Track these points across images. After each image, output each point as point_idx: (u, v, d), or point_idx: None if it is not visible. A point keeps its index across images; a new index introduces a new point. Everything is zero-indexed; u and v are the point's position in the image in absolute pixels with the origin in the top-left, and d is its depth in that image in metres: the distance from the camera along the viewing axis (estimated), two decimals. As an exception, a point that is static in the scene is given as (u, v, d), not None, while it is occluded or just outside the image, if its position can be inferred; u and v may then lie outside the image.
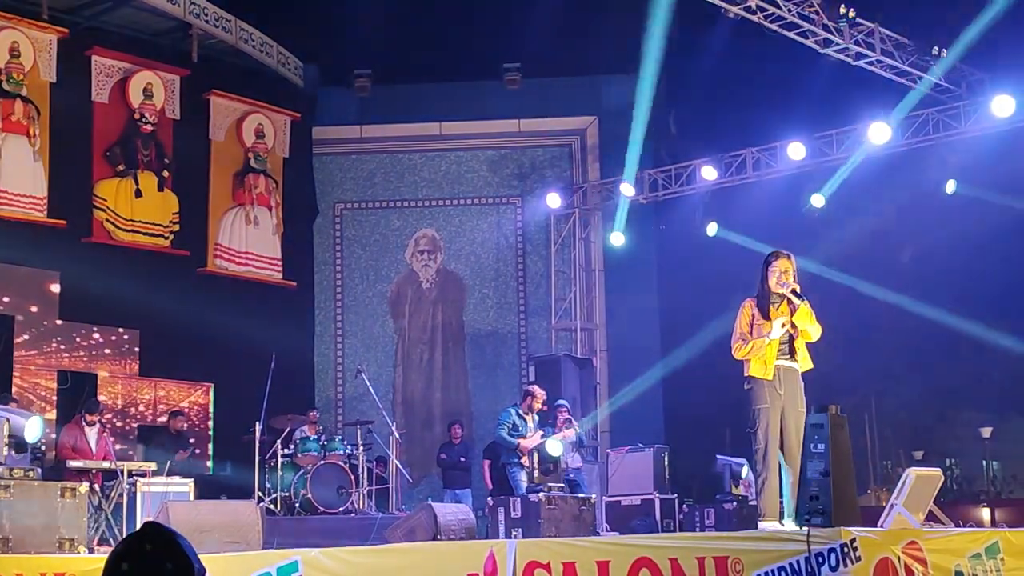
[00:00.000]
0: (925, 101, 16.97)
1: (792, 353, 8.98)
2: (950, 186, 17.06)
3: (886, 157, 17.46)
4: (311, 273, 20.62)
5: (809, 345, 9.10)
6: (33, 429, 9.67)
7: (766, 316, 8.92)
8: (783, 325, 8.86)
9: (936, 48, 16.40)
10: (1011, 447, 21.77)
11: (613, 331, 20.71)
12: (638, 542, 8.61)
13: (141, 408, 17.71)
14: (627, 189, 19.17)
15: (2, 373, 16.02)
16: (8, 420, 9.45)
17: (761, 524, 8.74)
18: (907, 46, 16.43)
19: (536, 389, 14.39)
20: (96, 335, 17.35)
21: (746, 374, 8.97)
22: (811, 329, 8.93)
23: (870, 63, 16.44)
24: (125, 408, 17.48)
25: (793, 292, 8.88)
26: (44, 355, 16.69)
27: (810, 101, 17.42)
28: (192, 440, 16.71)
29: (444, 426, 18.72)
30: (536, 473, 12.82)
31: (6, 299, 16.46)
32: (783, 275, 8.93)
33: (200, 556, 3.03)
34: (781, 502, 8.90)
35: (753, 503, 12.38)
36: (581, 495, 12.45)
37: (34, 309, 16.76)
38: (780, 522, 8.67)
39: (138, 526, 9.81)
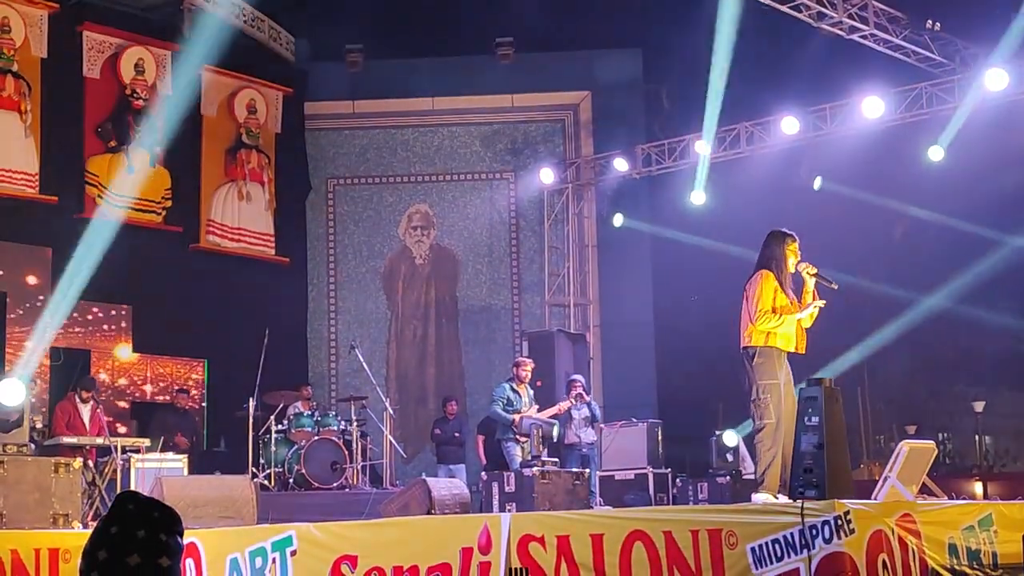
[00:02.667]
0: (919, 75, 16.95)
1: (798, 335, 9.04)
2: (935, 153, 17.04)
3: (877, 132, 17.43)
4: (304, 249, 20.59)
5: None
6: (10, 392, 9.62)
7: (798, 298, 8.92)
8: (816, 308, 8.89)
9: (930, 22, 16.35)
10: (1003, 421, 21.84)
11: (607, 306, 20.70)
12: (632, 515, 8.63)
13: (134, 384, 17.69)
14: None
15: (-6, 349, 16.02)
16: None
17: (755, 496, 8.77)
18: (900, 20, 16.38)
19: (521, 358, 14.45)
20: (89, 311, 17.32)
21: (763, 344, 8.83)
22: (815, 312, 9.01)
23: (863, 37, 16.39)
24: (118, 384, 17.47)
25: (815, 275, 8.91)
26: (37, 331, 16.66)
27: (803, 75, 17.37)
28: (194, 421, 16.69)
29: (438, 402, 18.72)
30: (541, 447, 12.86)
31: (-1, 274, 16.45)
32: (797, 255, 8.99)
33: (195, 531, 3.07)
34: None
35: (747, 476, 12.42)
36: (575, 470, 12.48)
37: (26, 285, 16.73)
38: (775, 495, 8.69)
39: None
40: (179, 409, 16.25)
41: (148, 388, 17.84)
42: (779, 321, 8.81)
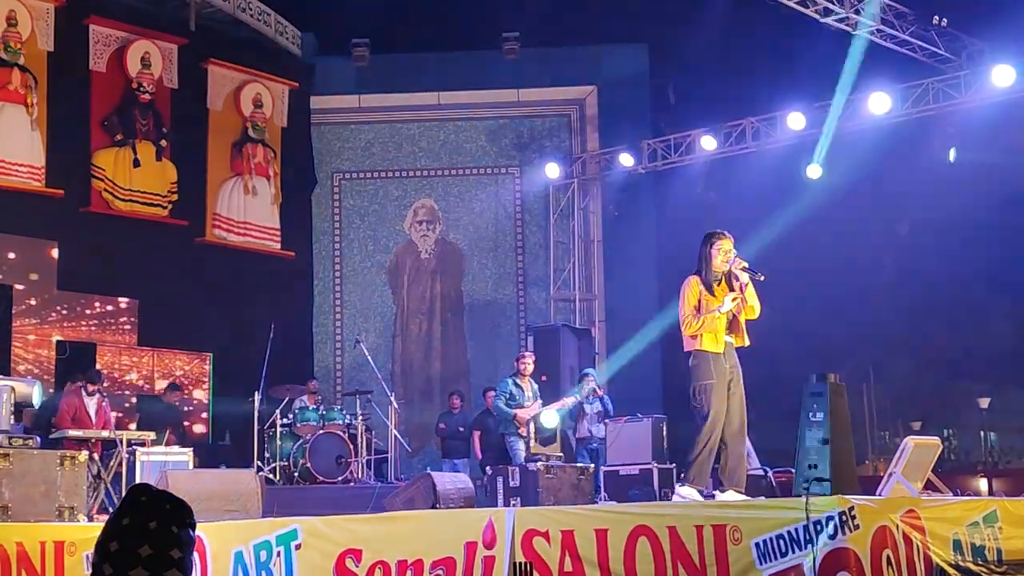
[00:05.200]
0: (925, 71, 16.91)
1: (734, 329, 9.12)
2: (952, 154, 17.02)
3: (885, 127, 17.40)
4: (310, 243, 20.60)
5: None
6: (39, 394, 9.78)
7: (711, 293, 9.06)
8: (734, 300, 9.02)
9: (936, 18, 16.33)
10: (1009, 417, 21.79)
11: (611, 301, 20.70)
12: (636, 510, 8.62)
13: (139, 378, 17.71)
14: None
15: (1, 342, 16.03)
16: (14, 388, 9.50)
17: (679, 489, 8.99)
18: (907, 15, 16.35)
19: (522, 352, 14.48)
20: (95, 305, 17.34)
21: (695, 348, 9.10)
22: (756, 305, 9.11)
23: (870, 32, 16.36)
24: (123, 378, 17.48)
25: (744, 269, 9.02)
26: (43, 324, 16.69)
27: (810, 71, 17.35)
28: (183, 414, 16.61)
29: (443, 396, 18.74)
30: (533, 443, 12.85)
31: (6, 267, 16.45)
32: (727, 254, 9.09)
33: (200, 524, 3.08)
34: (717, 470, 9.11)
35: (753, 472, 12.42)
36: (580, 464, 12.47)
37: (33, 279, 16.75)
38: (700, 491, 8.88)
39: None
40: (164, 404, 16.15)
41: (154, 381, 17.85)
42: (700, 322, 8.97)
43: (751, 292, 9.13)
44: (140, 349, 17.73)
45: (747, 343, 9.22)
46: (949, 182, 17.18)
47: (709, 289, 9.11)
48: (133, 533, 2.95)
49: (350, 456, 14.57)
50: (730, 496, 8.84)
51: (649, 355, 20.00)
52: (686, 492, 8.94)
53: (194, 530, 3.05)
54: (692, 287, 9.13)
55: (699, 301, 9.08)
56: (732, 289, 9.11)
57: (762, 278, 9.09)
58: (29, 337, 16.52)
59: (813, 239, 18.34)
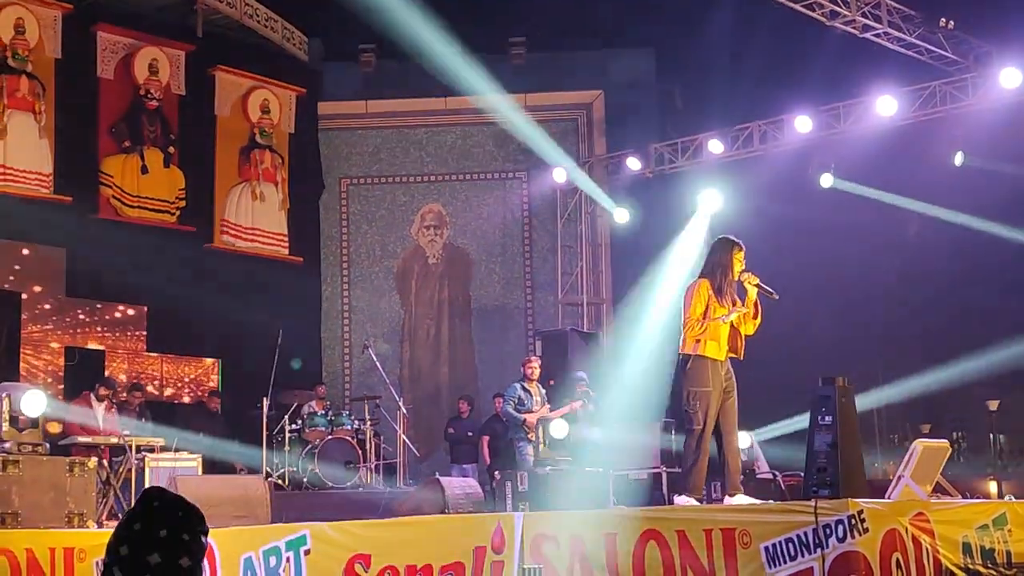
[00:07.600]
0: (932, 73, 16.90)
1: (733, 340, 9.15)
2: (958, 158, 16.99)
3: (893, 130, 17.39)
4: (317, 248, 20.62)
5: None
6: (32, 403, 9.66)
7: (720, 301, 9.03)
8: (738, 313, 9.00)
9: (943, 20, 16.31)
10: (1018, 420, 21.76)
11: (620, 305, 20.67)
12: (645, 515, 8.63)
13: (148, 384, 17.73)
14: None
15: (10, 349, 16.07)
16: (8, 396, 9.47)
17: (677, 499, 8.96)
18: (914, 18, 16.34)
19: (528, 356, 14.47)
20: (103, 311, 17.37)
21: (696, 353, 9.02)
22: (758, 322, 9.10)
23: (877, 35, 16.35)
24: (132, 384, 17.50)
25: (757, 286, 9.02)
26: (52, 331, 16.72)
27: (817, 74, 17.34)
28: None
29: (451, 401, 18.73)
30: (542, 447, 12.83)
31: (13, 275, 16.49)
32: (742, 264, 9.11)
33: (209, 530, 3.06)
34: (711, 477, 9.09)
35: (762, 475, 12.41)
36: (589, 468, 12.46)
37: (41, 286, 16.78)
38: (699, 499, 8.89)
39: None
40: (209, 411, 16.28)
41: (163, 387, 17.87)
42: (702, 328, 8.89)
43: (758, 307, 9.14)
44: (149, 355, 17.76)
45: (742, 357, 9.19)
46: (957, 184, 17.16)
47: (719, 296, 9.06)
48: (143, 540, 2.94)
49: (359, 461, 14.59)
50: (740, 500, 8.83)
51: (657, 359, 20.01)
52: (683, 502, 8.91)
53: (206, 537, 3.04)
54: (701, 291, 9.06)
55: (706, 307, 9.03)
56: (734, 302, 9.09)
57: (776, 297, 9.06)
58: (48, 344, 16.55)
59: (821, 241, 18.33)
